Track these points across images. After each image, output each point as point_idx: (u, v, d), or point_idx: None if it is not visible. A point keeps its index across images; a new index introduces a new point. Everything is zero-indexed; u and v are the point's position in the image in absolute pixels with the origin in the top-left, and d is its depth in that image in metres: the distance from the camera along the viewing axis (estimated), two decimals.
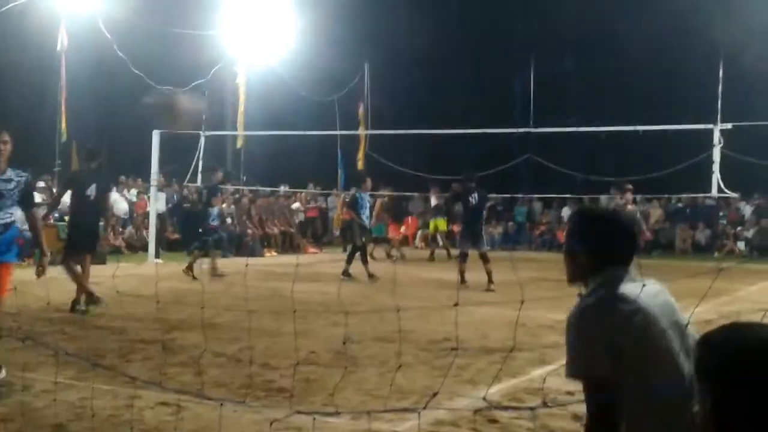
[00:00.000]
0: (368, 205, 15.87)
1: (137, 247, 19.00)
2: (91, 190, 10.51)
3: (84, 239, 10.64)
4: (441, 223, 22.27)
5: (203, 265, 14.53)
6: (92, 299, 10.24)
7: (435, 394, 5.21)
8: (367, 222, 15.68)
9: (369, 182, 16.02)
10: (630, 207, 15.37)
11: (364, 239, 15.46)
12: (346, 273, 15.04)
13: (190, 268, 14.58)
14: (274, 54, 24.11)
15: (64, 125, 18.69)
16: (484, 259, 13.93)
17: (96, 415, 5.25)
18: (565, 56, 28.78)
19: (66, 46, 18.21)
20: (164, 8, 20.65)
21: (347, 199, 16.10)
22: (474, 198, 14.23)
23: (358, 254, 15.22)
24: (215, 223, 15.21)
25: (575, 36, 26.93)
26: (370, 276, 14.81)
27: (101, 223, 11.34)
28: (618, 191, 14.59)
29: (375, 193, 18.76)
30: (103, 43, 18.43)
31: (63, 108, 18.67)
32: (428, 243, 22.93)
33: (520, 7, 28.60)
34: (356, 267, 15.06)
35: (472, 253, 14.04)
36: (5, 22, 17.89)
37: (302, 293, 12.07)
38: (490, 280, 13.65)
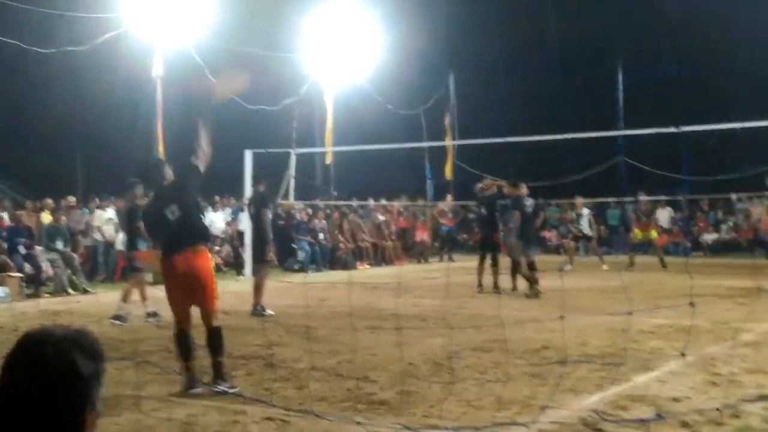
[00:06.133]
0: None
1: (233, 264, 19.36)
2: (251, 209, 12.35)
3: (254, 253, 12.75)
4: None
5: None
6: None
7: (545, 407, 5.12)
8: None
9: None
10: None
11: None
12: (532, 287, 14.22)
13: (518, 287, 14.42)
14: (360, 70, 24.33)
15: (161, 149, 19.14)
16: (533, 266, 13.88)
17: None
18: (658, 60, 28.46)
19: (161, 73, 18.71)
20: (252, 32, 21.10)
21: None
22: (530, 205, 14.48)
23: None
24: None
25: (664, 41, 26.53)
26: (513, 289, 14.43)
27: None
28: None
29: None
30: (195, 69, 18.91)
31: (160, 132, 19.11)
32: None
33: (603, 15, 28.19)
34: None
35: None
36: (100, 52, 18.50)
37: (396, 305, 12.08)
38: (532, 286, 13.57)
